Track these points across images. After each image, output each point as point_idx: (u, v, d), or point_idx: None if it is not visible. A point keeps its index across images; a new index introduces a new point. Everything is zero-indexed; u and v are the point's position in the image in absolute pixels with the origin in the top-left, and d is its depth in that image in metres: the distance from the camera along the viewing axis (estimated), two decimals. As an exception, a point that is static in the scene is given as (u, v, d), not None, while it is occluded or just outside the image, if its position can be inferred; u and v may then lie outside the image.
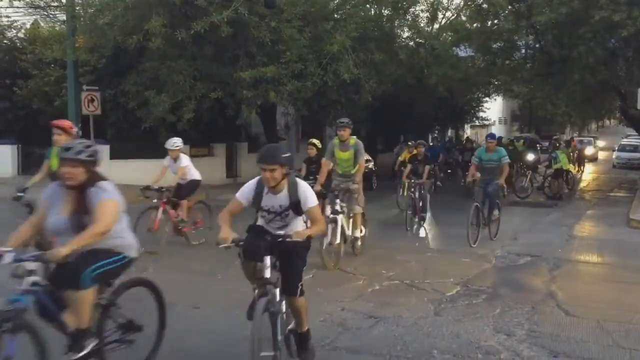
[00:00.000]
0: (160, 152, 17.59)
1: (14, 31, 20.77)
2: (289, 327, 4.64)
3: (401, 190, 14.43)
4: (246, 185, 4.53)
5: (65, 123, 6.99)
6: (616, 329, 5.89)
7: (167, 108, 15.17)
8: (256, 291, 4.32)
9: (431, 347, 5.26)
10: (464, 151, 22.80)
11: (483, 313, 6.32)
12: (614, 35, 15.70)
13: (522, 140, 31.27)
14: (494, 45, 19.53)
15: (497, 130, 46.05)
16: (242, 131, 20.83)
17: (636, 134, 26.36)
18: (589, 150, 33.15)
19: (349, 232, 8.76)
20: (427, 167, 12.46)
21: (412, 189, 11.97)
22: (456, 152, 25.25)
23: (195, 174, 9.60)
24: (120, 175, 16.63)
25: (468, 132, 40.40)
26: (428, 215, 11.97)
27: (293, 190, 4.40)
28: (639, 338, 5.67)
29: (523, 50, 20.55)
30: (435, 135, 34.78)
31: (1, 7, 18.85)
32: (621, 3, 14.50)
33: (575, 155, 28.56)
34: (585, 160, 30.48)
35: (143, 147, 17.41)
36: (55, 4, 17.91)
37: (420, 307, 6.48)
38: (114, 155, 17.34)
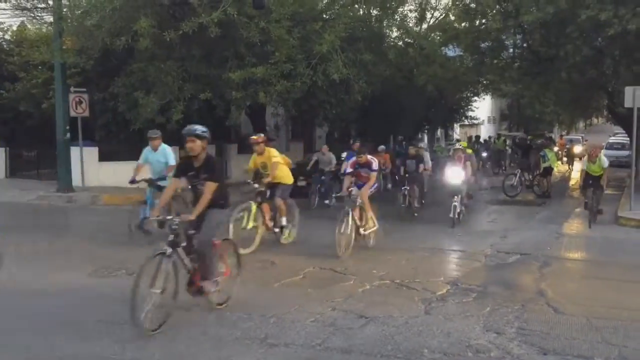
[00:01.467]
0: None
1: (0, 33, 20.62)
2: None
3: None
4: None
5: None
6: (605, 325, 5.93)
7: (155, 109, 15.10)
8: None
9: (422, 346, 5.27)
10: (405, 159, 15.21)
11: (473, 312, 6.34)
12: (600, 34, 15.80)
13: (502, 139, 31.10)
14: (482, 45, 19.61)
15: (487, 129, 46.16)
16: (232, 132, 20.79)
17: (624, 132, 26.52)
18: (577, 149, 33.40)
19: None
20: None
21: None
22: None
23: None
24: (108, 177, 16.76)
25: (457, 131, 40.42)
26: None
27: None
28: (627, 334, 5.71)
29: (511, 50, 20.66)
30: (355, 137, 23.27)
31: (-13, 9, 18.71)
32: (607, 2, 14.58)
33: (564, 153, 28.77)
34: (575, 159, 30.60)
35: (132, 149, 17.30)
36: (42, 5, 17.76)
37: (411, 307, 6.49)
38: (102, 158, 17.24)
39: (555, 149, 27.10)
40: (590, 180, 13.10)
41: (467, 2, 18.75)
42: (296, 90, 15.17)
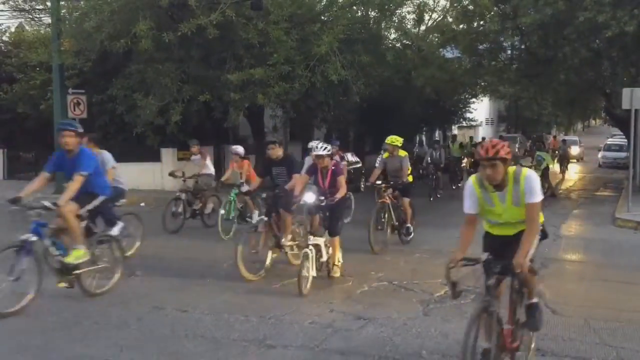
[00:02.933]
0: (147, 156, 17.69)
1: (-2, 34, 20.64)
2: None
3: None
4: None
5: None
6: (603, 327, 5.93)
7: (154, 111, 15.10)
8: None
9: (420, 348, 5.27)
10: (270, 166, 9.65)
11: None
12: (598, 35, 15.83)
13: (459, 143, 24.52)
14: (480, 47, 19.64)
15: (485, 130, 46.25)
16: (230, 134, 20.78)
17: (621, 133, 26.58)
18: (574, 150, 33.31)
19: None
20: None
21: None
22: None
23: None
24: (107, 178, 16.69)
25: (453, 132, 40.26)
26: None
27: None
28: (625, 336, 5.72)
29: (509, 51, 20.70)
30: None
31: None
32: (605, 4, 14.63)
33: (557, 154, 28.62)
34: (569, 160, 30.43)
35: (130, 150, 17.30)
36: (40, 7, 17.79)
37: (409, 308, 6.48)
38: (100, 159, 17.24)
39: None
40: (501, 245, 4.78)
41: (465, 4, 18.79)
42: (294, 91, 15.18)
